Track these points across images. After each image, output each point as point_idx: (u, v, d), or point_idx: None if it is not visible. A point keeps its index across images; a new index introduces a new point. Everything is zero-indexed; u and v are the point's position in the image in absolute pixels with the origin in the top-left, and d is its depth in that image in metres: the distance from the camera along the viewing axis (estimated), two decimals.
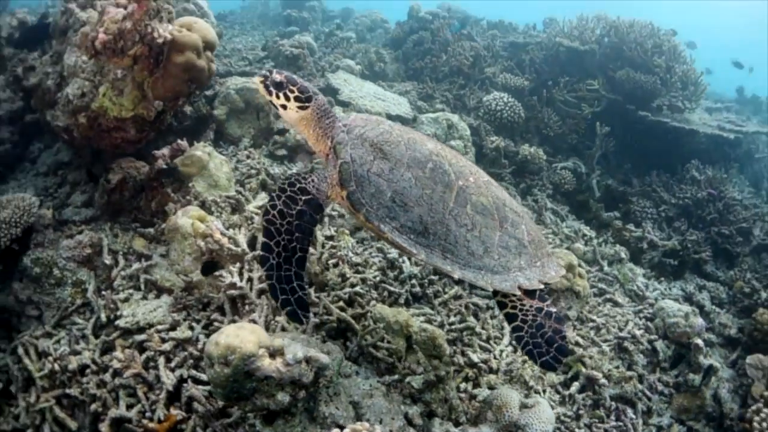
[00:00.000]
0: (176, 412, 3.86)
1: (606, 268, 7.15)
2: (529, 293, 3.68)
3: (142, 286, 4.80)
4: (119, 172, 5.45)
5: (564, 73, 10.14)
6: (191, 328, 4.37)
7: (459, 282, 5.57)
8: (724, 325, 6.95)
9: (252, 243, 4.99)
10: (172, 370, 4.09)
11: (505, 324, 5.57)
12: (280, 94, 3.80)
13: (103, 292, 4.76)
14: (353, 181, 3.55)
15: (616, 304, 6.64)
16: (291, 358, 3.47)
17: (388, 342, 4.48)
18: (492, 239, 3.60)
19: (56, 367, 4.19)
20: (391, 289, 5.28)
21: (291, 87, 3.77)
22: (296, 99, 3.80)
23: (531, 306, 3.66)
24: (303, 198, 3.62)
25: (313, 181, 3.68)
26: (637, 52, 9.72)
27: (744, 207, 8.82)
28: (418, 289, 5.48)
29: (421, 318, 5.14)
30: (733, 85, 17.15)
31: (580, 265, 6.34)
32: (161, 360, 4.13)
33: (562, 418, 5.10)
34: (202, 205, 5.42)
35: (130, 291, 4.78)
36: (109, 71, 5.30)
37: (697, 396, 5.92)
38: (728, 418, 5.90)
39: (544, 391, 5.20)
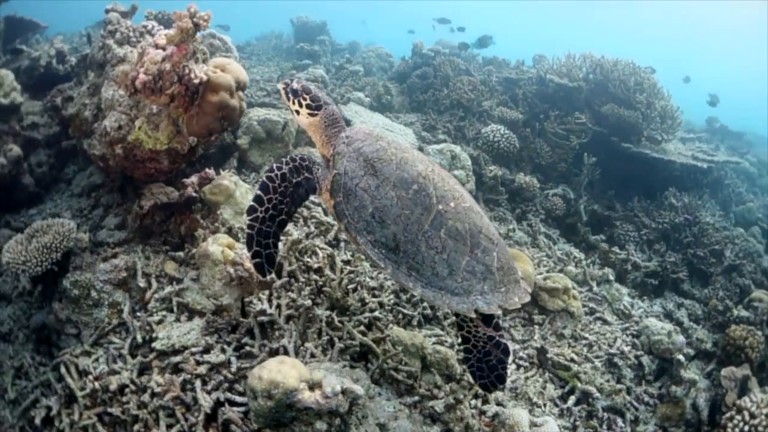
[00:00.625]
0: None
1: (595, 289, 7.18)
2: (486, 319, 3.76)
3: (175, 309, 4.76)
4: (151, 198, 5.41)
5: (554, 106, 10.23)
6: (223, 350, 4.32)
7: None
8: (701, 340, 6.97)
9: (279, 271, 4.92)
10: (209, 392, 4.05)
11: (509, 345, 5.62)
12: (295, 101, 3.90)
13: (138, 314, 4.74)
14: (341, 192, 3.60)
15: (605, 322, 6.67)
16: (330, 391, 3.48)
17: (406, 364, 4.48)
18: (459, 263, 3.52)
19: (97, 385, 4.17)
20: (405, 311, 5.28)
21: (305, 95, 3.86)
22: (307, 106, 3.87)
23: (484, 334, 3.79)
24: (306, 175, 3.75)
25: (318, 169, 3.80)
26: (621, 89, 9.82)
27: (716, 230, 8.89)
28: (429, 311, 5.49)
29: (433, 339, 5.14)
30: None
31: (573, 287, 6.39)
32: (198, 383, 4.08)
33: (562, 430, 5.10)
34: (230, 232, 5.37)
35: (164, 313, 4.74)
36: (144, 106, 5.29)
37: (678, 405, 5.95)
38: (705, 424, 5.95)
39: (545, 405, 5.21)
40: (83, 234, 5.28)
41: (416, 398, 4.27)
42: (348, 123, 8.54)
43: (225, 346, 4.36)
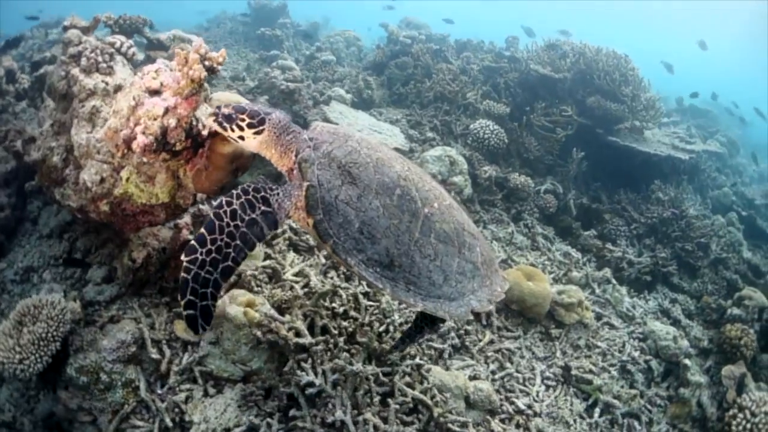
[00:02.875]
0: None
1: (597, 291, 7.63)
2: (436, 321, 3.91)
3: (200, 381, 4.45)
4: (143, 249, 4.89)
5: (537, 96, 10.54)
6: (269, 425, 4.18)
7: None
8: (698, 338, 7.58)
9: (311, 326, 4.78)
10: None
11: (534, 364, 6.01)
12: (234, 127, 3.50)
13: (159, 391, 4.43)
14: (320, 208, 3.25)
15: (612, 326, 7.13)
16: None
17: (458, 413, 4.73)
18: (451, 267, 3.47)
19: None
20: (436, 345, 5.51)
21: (240, 116, 3.48)
22: (249, 126, 3.50)
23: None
24: (262, 208, 3.29)
25: (278, 194, 3.36)
26: (606, 81, 10.19)
27: (701, 221, 9.48)
28: (457, 341, 5.76)
29: (468, 370, 5.42)
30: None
31: (585, 298, 6.83)
32: None
33: None
34: (239, 278, 5.05)
35: (188, 386, 4.45)
36: (114, 154, 4.53)
37: (686, 405, 6.51)
38: (710, 420, 6.54)
39: (575, 422, 5.63)
40: (73, 303, 4.73)
41: None
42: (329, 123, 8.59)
43: (270, 420, 4.21)
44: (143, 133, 4.03)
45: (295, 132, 3.57)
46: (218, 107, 3.50)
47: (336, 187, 3.27)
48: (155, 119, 4.03)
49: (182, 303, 3.03)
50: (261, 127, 3.49)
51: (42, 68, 7.04)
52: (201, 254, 3.08)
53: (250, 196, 3.28)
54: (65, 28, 5.50)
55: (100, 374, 4.37)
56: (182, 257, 3.07)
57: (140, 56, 5.88)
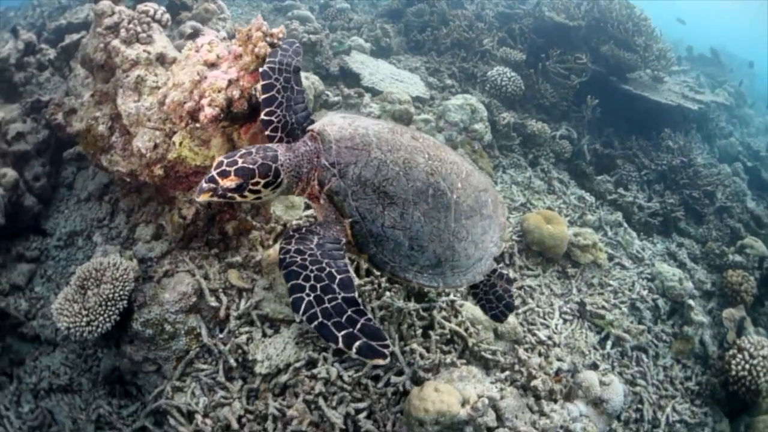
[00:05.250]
0: None
1: (610, 234, 8.20)
2: None
3: (257, 323, 4.79)
4: (191, 207, 5.10)
5: (552, 43, 10.85)
6: (325, 359, 4.58)
7: None
8: (702, 281, 8.19)
9: (357, 269, 5.23)
10: (335, 408, 4.34)
11: (553, 300, 6.67)
12: (247, 194, 3.19)
13: (220, 336, 4.75)
14: (371, 243, 3.23)
15: (623, 267, 7.72)
16: (481, 405, 4.19)
17: (489, 342, 5.30)
18: (478, 233, 3.62)
19: (207, 423, 4.30)
20: None
21: (253, 181, 3.15)
22: (267, 186, 3.22)
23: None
24: (318, 235, 3.18)
25: (318, 232, 3.22)
26: (620, 31, 10.55)
27: (708, 168, 10.07)
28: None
29: None
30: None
31: (599, 240, 7.47)
32: (321, 401, 4.33)
33: (602, 369, 6.20)
34: (284, 228, 5.41)
35: (247, 329, 4.78)
36: (177, 123, 4.76)
37: (689, 342, 7.13)
38: (711, 358, 7.18)
39: (589, 352, 6.31)
40: (130, 261, 4.98)
41: (507, 373, 5.08)
42: (357, 77, 9.00)
43: (325, 354, 4.59)
44: (210, 105, 4.30)
45: (310, 154, 3.36)
46: (210, 179, 3.08)
47: (379, 215, 3.20)
48: (220, 92, 4.32)
49: (342, 346, 2.66)
50: (278, 180, 3.25)
51: (67, 38, 7.29)
52: (306, 295, 2.83)
53: (298, 235, 3.16)
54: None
55: (165, 325, 4.68)
56: (297, 317, 3.21)
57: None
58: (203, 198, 3.10)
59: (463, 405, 4.18)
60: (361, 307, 2.83)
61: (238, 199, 3.20)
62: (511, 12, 11.77)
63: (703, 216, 9.53)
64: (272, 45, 4.11)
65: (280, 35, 4.16)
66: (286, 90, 3.78)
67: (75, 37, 7.17)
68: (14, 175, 5.85)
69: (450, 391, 4.16)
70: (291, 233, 3.19)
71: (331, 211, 3.31)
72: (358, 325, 2.73)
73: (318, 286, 2.87)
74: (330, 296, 2.84)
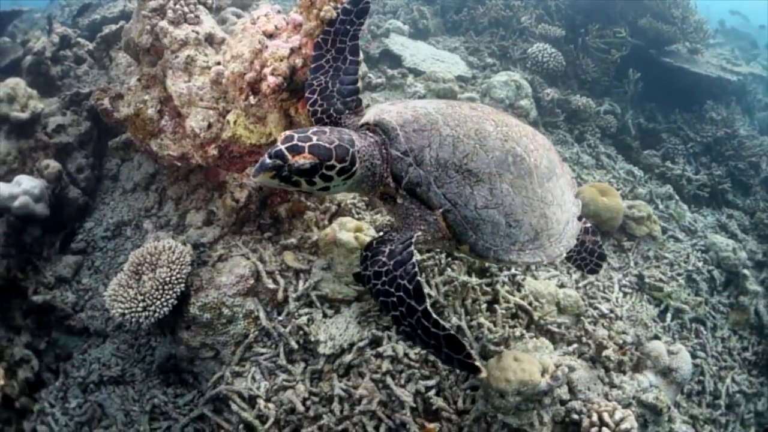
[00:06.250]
0: (433, 425, 3.95)
1: (661, 207, 7.87)
2: None
3: (317, 304, 4.59)
4: (244, 188, 4.94)
5: (589, 19, 10.46)
6: (389, 337, 4.37)
7: None
8: (754, 251, 7.84)
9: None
10: (403, 386, 4.13)
11: (612, 273, 6.32)
12: (316, 179, 2.69)
13: (280, 318, 4.54)
14: (469, 230, 2.84)
15: (677, 239, 7.40)
16: (561, 374, 3.98)
17: (553, 315, 5.04)
18: (558, 195, 3.27)
19: (270, 407, 4.11)
20: None
21: (329, 163, 2.68)
22: (341, 172, 2.74)
23: None
24: (389, 244, 2.78)
25: (392, 239, 2.81)
26: (656, 3, 10.16)
27: (751, 140, 9.65)
28: None
29: (554, 280, 5.71)
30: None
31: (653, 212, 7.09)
32: (389, 380, 4.11)
33: (665, 341, 5.89)
34: (339, 208, 5.27)
35: (307, 310, 4.57)
36: (236, 96, 4.56)
37: (744, 312, 6.84)
38: (766, 327, 6.88)
39: (650, 325, 5.97)
40: (183, 246, 4.77)
41: (575, 346, 4.85)
42: (399, 59, 8.66)
43: (389, 332, 4.38)
44: (272, 74, 4.13)
45: (380, 146, 2.93)
46: (278, 154, 2.59)
47: (469, 196, 2.82)
48: (282, 60, 4.15)
49: (457, 367, 2.54)
50: (354, 167, 2.78)
51: (105, 29, 7.13)
52: (405, 327, 2.58)
53: (371, 254, 2.78)
54: None
55: (223, 309, 4.48)
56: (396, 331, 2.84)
57: None
58: (262, 178, 2.61)
59: (542, 374, 3.96)
60: (430, 313, 2.54)
61: (304, 186, 2.70)
62: None
63: (750, 187, 9.21)
64: (337, 9, 3.84)
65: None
66: (336, 60, 3.53)
67: (113, 27, 7.02)
68: (57, 166, 5.63)
69: (530, 360, 3.95)
70: (363, 252, 2.81)
71: (414, 209, 2.89)
72: (442, 341, 2.52)
73: (404, 311, 2.58)
74: (415, 318, 2.56)
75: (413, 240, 2.74)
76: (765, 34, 17.78)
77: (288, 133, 2.68)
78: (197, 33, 5.03)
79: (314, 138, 2.66)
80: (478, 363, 2.45)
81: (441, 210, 2.81)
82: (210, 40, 5.18)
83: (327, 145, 2.66)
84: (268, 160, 2.58)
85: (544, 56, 9.32)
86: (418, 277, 2.59)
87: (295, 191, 2.88)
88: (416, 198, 2.86)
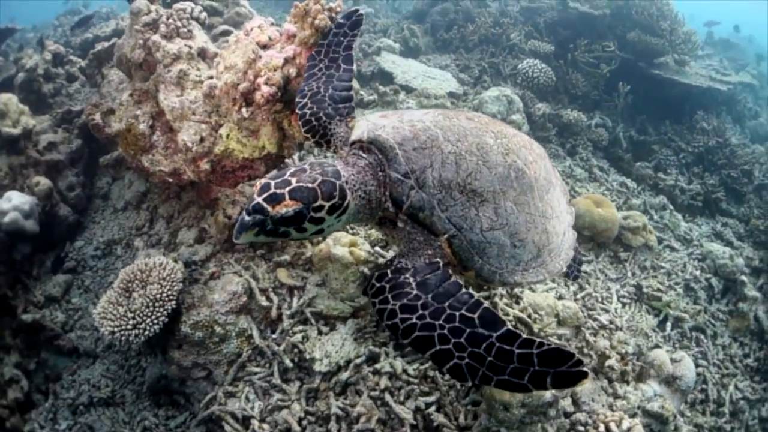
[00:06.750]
0: None
1: (656, 217, 7.73)
2: None
3: (312, 321, 4.39)
4: (235, 206, 4.84)
5: (578, 34, 10.43)
6: (386, 353, 4.17)
7: None
8: (750, 258, 7.71)
9: None
10: (402, 403, 3.94)
11: (609, 284, 6.15)
12: (306, 225, 2.42)
13: (274, 336, 4.36)
14: (476, 255, 2.62)
15: (673, 249, 7.27)
16: None
17: (553, 327, 4.87)
18: (556, 206, 3.12)
19: (265, 428, 3.89)
20: None
21: (315, 205, 2.40)
22: (332, 210, 2.46)
23: None
24: (411, 273, 2.53)
25: (409, 268, 2.56)
26: (644, 16, 10.12)
27: (742, 148, 9.54)
28: None
29: (552, 292, 5.56)
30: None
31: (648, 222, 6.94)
32: (388, 397, 3.92)
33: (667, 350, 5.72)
34: None
35: (301, 328, 4.37)
36: (229, 110, 4.41)
37: (744, 318, 6.72)
38: (766, 333, 6.76)
39: (651, 335, 5.80)
40: (175, 263, 4.61)
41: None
42: (390, 76, 8.57)
43: (386, 348, 4.20)
44: (266, 83, 4.00)
45: (369, 168, 2.67)
46: (255, 207, 2.32)
47: (473, 218, 2.60)
48: (276, 70, 4.02)
49: (542, 388, 2.10)
50: (345, 202, 2.52)
51: (97, 46, 6.99)
52: (463, 360, 2.20)
53: (388, 285, 2.51)
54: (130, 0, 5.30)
55: (215, 327, 4.28)
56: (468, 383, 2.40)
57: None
58: (245, 238, 2.33)
59: None
60: (518, 333, 2.21)
61: (294, 235, 2.43)
62: (535, 6, 11.29)
63: (743, 195, 9.12)
64: (331, 19, 3.78)
65: (338, 9, 3.84)
66: (329, 68, 3.43)
67: (106, 44, 6.90)
68: (48, 183, 5.49)
69: None
70: (376, 284, 2.50)
71: (417, 233, 2.63)
72: (535, 360, 2.12)
73: (463, 342, 2.22)
74: (485, 345, 2.20)
75: (442, 266, 2.51)
76: (754, 44, 17.91)
77: (264, 181, 2.40)
78: (190, 47, 4.92)
79: (293, 181, 2.38)
80: (586, 368, 2.10)
81: (446, 236, 2.57)
82: (203, 54, 5.08)
83: (309, 185, 2.38)
84: (247, 218, 2.31)
85: (534, 72, 9.24)
86: (479, 299, 2.36)
87: (292, 240, 2.51)
88: (418, 223, 2.61)
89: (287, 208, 2.30)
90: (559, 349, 2.12)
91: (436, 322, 2.28)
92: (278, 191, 2.32)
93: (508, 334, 2.21)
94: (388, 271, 2.54)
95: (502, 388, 2.14)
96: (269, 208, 2.29)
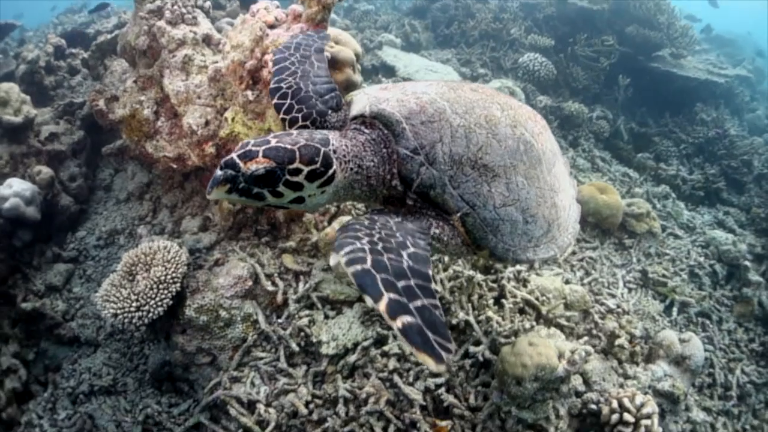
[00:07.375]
0: (445, 423, 3.63)
1: (659, 206, 7.59)
2: None
3: (318, 305, 4.26)
4: None
5: (577, 29, 10.39)
6: (395, 337, 4.02)
7: None
8: (753, 245, 7.55)
9: None
10: (411, 384, 3.81)
11: (615, 270, 6.01)
12: (281, 188, 2.20)
13: (280, 321, 4.22)
14: (489, 233, 2.46)
15: (676, 236, 7.12)
16: (578, 357, 3.66)
17: (558, 309, 4.73)
18: (562, 180, 2.95)
19: (271, 412, 3.76)
20: None
21: (292, 167, 2.18)
22: (312, 177, 2.24)
23: None
24: (401, 217, 2.37)
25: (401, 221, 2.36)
26: (642, 11, 10.04)
27: (741, 139, 9.44)
28: None
29: (559, 278, 5.41)
30: None
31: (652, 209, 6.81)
32: (396, 378, 3.79)
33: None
34: (338, 209, 4.94)
35: (307, 312, 4.23)
36: (234, 93, 4.35)
37: (748, 303, 6.58)
38: None
39: (658, 318, 5.66)
40: (179, 248, 4.49)
41: (585, 339, 4.56)
42: (393, 69, 8.47)
43: (394, 332, 4.11)
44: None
45: (372, 144, 2.48)
46: (228, 162, 2.14)
47: (486, 194, 2.43)
48: None
49: (391, 317, 1.70)
50: (329, 171, 2.28)
51: (100, 38, 6.90)
52: (361, 242, 2.00)
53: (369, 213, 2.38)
54: None
55: (219, 311, 4.14)
56: (341, 257, 1.92)
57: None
58: (217, 193, 2.14)
59: (559, 358, 3.63)
60: (432, 288, 1.88)
61: (270, 199, 2.21)
62: (534, 2, 11.15)
63: (744, 184, 8.98)
64: None
65: None
66: (303, 63, 3.10)
67: (108, 36, 6.77)
68: (49, 172, 5.35)
69: (545, 344, 3.61)
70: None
71: (425, 213, 2.44)
72: (418, 302, 1.78)
73: (380, 243, 2.00)
74: (391, 256, 1.94)
75: (428, 237, 2.29)
76: (752, 40, 17.83)
77: (246, 140, 2.24)
78: (195, 33, 4.87)
79: (273, 141, 2.20)
80: (447, 355, 1.66)
81: (459, 214, 2.40)
82: (207, 41, 5.01)
83: (288, 147, 2.18)
84: (218, 173, 2.13)
85: (534, 65, 9.16)
86: (428, 254, 2.11)
87: (263, 206, 2.33)
88: (429, 201, 2.41)
89: (258, 164, 2.11)
90: (444, 325, 1.75)
91: (378, 231, 2.11)
92: (254, 149, 2.15)
93: (422, 274, 1.93)
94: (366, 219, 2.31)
95: (357, 278, 1.81)
96: (241, 164, 2.11)
